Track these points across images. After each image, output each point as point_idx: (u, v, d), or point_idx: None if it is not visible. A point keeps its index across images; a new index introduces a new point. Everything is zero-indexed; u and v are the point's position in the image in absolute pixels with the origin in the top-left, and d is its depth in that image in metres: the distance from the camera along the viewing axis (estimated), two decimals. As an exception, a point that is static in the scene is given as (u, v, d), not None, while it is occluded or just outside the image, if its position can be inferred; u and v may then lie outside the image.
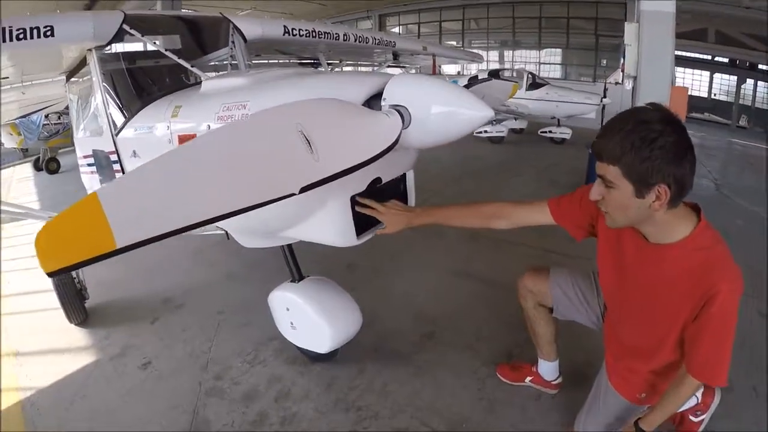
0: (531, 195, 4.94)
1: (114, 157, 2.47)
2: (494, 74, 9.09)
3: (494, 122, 8.25)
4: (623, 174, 1.21)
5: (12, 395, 2.33)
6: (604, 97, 7.91)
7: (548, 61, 13.23)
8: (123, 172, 2.45)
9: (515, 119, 8.55)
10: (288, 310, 2.18)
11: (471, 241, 3.87)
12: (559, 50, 13.05)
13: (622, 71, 6.80)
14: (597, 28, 11.64)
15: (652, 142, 1.15)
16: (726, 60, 13.10)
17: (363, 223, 1.70)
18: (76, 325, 2.89)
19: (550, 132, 8.30)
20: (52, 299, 2.88)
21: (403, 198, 1.90)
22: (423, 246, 3.81)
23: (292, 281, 2.24)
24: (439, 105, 1.35)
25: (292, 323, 2.20)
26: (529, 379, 2.12)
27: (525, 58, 13.46)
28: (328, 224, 1.65)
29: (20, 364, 2.59)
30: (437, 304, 2.89)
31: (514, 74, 9.27)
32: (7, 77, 3.36)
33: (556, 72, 12.84)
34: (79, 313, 2.90)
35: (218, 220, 0.95)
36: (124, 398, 2.22)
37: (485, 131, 8.24)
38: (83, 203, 0.84)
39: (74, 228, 0.84)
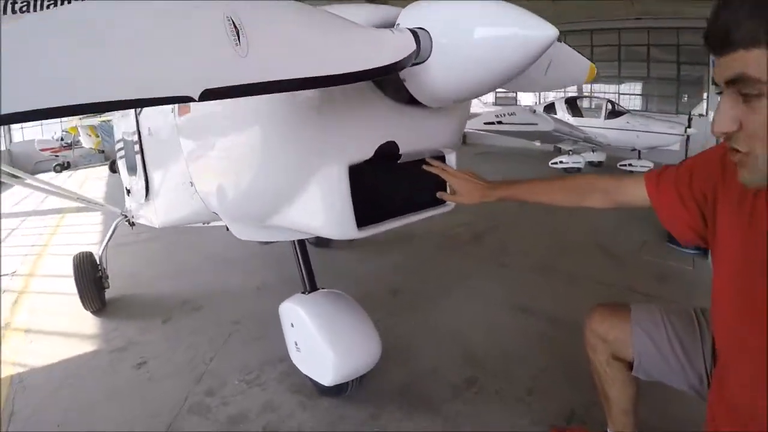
0: (610, 226, 4.33)
1: (136, 137, 2.28)
2: (571, 102, 8.52)
3: (570, 152, 7.66)
4: None
5: (7, 368, 2.29)
6: (689, 127, 7.15)
7: (627, 92, 12.34)
8: (142, 153, 2.25)
9: (593, 151, 7.87)
10: (293, 326, 1.80)
11: (539, 272, 3.30)
12: (638, 83, 12.15)
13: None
14: (679, 57, 10.64)
15: None
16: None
17: (369, 211, 1.27)
18: (91, 312, 2.87)
19: (630, 165, 7.54)
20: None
21: (442, 187, 1.45)
22: (482, 274, 3.28)
23: (303, 292, 1.86)
24: (474, 24, 0.92)
25: (296, 343, 1.82)
26: (593, 456, 1.57)
27: (604, 90, 12.64)
28: (318, 204, 1.23)
29: (30, 341, 2.60)
30: (489, 344, 2.34)
31: (593, 103, 8.63)
32: None
33: (636, 104, 11.94)
34: (95, 301, 2.87)
35: (72, 114, 0.59)
36: (108, 395, 2.06)
37: (561, 161, 7.63)
38: None
39: None
